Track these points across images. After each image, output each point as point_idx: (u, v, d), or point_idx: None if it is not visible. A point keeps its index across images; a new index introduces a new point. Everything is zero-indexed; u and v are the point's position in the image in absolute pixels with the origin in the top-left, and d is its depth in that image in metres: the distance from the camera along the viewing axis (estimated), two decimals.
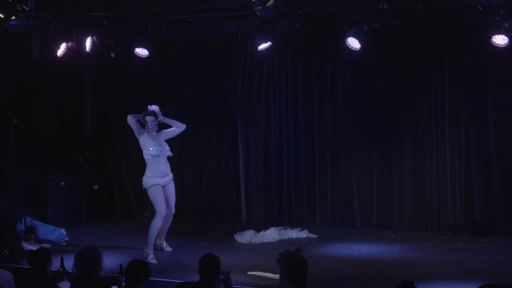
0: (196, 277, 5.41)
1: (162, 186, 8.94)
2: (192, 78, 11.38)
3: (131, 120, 8.92)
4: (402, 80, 10.41)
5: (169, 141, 11.71)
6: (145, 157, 8.98)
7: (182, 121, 11.54)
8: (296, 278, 4.88)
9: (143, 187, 9.07)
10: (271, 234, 9.97)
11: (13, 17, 8.90)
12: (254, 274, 7.96)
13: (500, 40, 8.56)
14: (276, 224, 10.59)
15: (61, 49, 9.65)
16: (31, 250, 7.12)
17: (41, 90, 10.88)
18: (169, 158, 11.72)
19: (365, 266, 8.48)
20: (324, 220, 10.78)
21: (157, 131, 9.06)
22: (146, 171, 9.00)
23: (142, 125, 9.01)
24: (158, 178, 8.91)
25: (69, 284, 5.87)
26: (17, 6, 8.85)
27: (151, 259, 8.56)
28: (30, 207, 10.55)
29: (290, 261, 4.91)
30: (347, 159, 10.67)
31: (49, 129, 11.05)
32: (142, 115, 8.97)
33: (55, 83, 11.04)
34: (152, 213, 11.48)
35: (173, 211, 9.10)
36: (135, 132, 8.98)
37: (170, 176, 9.09)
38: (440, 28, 10.00)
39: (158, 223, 8.83)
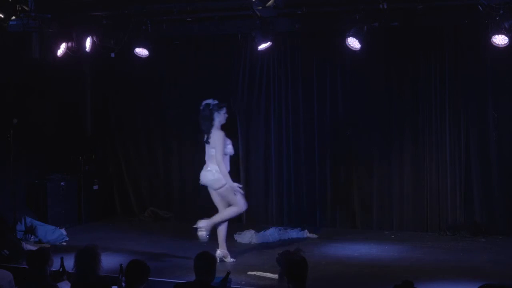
0: None
1: None
2: (192, 78, 11.38)
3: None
4: (402, 80, 10.41)
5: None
6: (225, 155, 8.53)
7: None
8: (296, 278, 4.89)
9: (220, 185, 8.52)
10: (271, 234, 9.97)
11: (13, 17, 8.89)
12: (254, 274, 7.96)
13: (500, 40, 8.55)
14: (276, 224, 10.60)
15: (61, 49, 9.65)
16: (31, 250, 7.12)
17: (41, 90, 10.87)
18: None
19: (365, 266, 8.48)
20: (324, 220, 10.78)
21: None
22: (222, 168, 8.47)
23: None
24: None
25: (69, 284, 5.87)
26: (17, 6, 8.85)
27: (230, 258, 8.57)
28: (30, 207, 10.55)
29: (290, 260, 4.92)
30: (347, 159, 10.66)
31: (49, 129, 11.06)
32: (215, 109, 8.50)
33: (55, 83, 11.04)
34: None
35: None
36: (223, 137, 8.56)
37: None
38: (440, 28, 10.00)
39: (235, 214, 8.67)
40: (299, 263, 4.97)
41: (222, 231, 8.70)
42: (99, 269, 5.51)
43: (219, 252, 8.55)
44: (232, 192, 8.53)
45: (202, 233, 8.53)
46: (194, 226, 8.59)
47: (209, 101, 8.59)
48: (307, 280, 4.93)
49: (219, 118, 8.54)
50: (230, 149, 8.59)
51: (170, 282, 7.22)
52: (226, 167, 8.51)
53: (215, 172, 8.48)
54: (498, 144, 9.92)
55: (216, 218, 8.61)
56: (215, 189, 8.57)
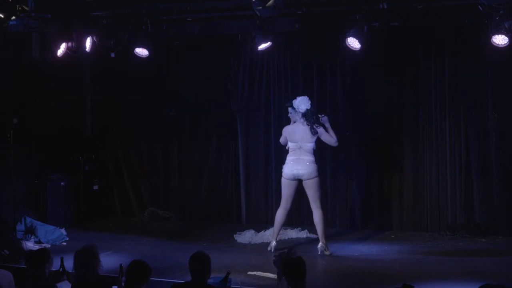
0: None
1: None
2: (192, 78, 11.38)
3: None
4: (402, 80, 10.41)
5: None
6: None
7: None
8: (295, 276, 4.90)
9: (316, 175, 9.11)
10: (271, 234, 9.96)
11: (13, 17, 8.89)
12: (254, 274, 7.97)
13: (500, 40, 8.56)
14: None
15: (61, 49, 9.66)
16: (30, 250, 7.13)
17: (41, 90, 10.87)
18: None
19: (365, 266, 8.47)
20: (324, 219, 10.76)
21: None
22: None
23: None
24: None
25: (69, 284, 5.88)
26: (17, 6, 8.85)
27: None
28: (30, 207, 10.55)
29: (287, 260, 4.94)
30: (347, 159, 10.66)
31: (49, 129, 11.05)
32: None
33: (55, 83, 11.03)
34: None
35: None
36: None
37: None
38: (440, 28, 9.99)
39: (324, 218, 9.10)
40: (296, 261, 4.99)
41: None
42: (98, 269, 5.51)
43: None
44: (319, 185, 9.11)
45: (328, 253, 8.90)
46: (321, 254, 8.90)
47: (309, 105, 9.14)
48: (306, 278, 4.94)
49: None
50: None
51: (170, 282, 7.22)
52: None
53: (309, 163, 9.06)
54: (498, 144, 9.91)
55: (321, 233, 8.99)
56: (310, 179, 9.00)
